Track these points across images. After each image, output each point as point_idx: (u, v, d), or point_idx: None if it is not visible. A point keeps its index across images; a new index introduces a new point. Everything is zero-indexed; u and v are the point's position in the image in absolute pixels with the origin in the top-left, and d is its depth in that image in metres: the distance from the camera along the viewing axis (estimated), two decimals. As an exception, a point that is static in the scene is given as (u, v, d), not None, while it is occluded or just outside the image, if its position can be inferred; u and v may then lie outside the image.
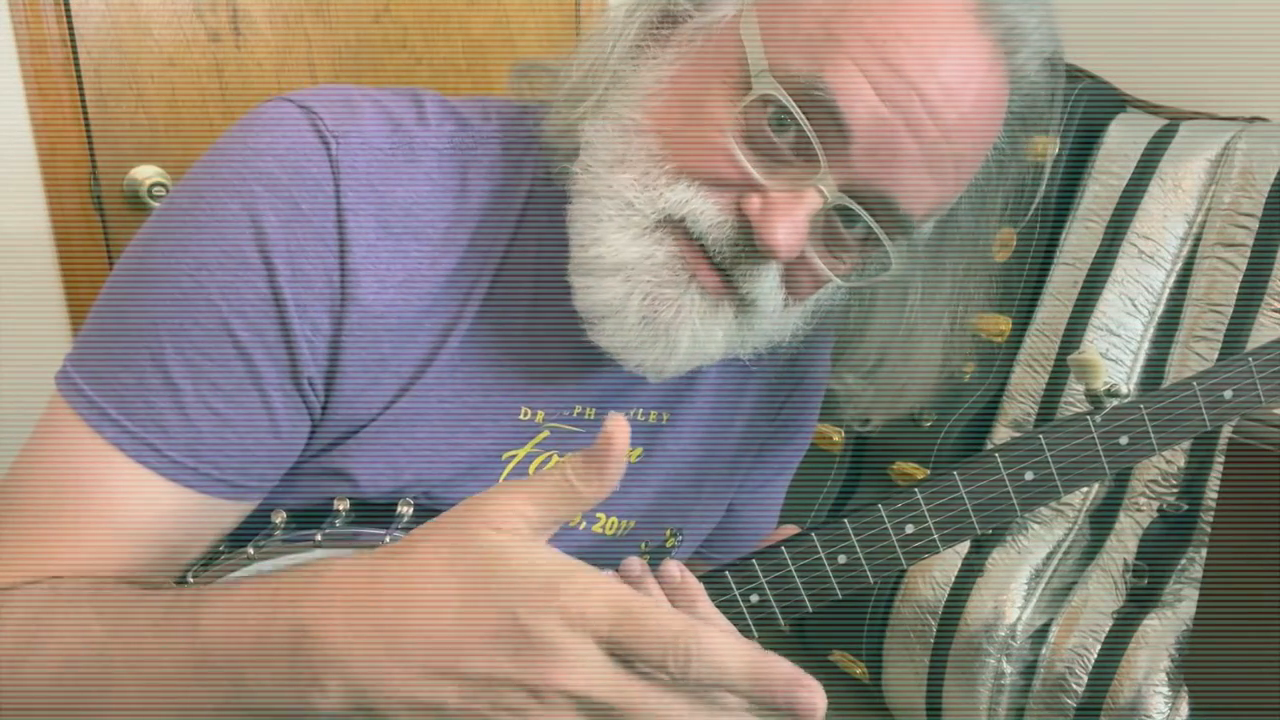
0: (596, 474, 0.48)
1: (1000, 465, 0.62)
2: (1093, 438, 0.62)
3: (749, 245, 0.58)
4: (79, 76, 1.47)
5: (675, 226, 0.59)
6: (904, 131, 0.56)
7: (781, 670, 0.44)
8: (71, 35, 1.45)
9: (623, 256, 0.59)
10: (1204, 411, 0.62)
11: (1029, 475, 0.62)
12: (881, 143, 0.56)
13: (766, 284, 0.60)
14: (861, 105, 0.55)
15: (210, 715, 0.50)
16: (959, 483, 0.62)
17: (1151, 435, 0.62)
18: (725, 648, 0.44)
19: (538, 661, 0.44)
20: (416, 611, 0.46)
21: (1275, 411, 0.99)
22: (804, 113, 0.56)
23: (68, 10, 1.44)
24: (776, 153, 0.58)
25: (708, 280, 0.59)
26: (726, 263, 0.59)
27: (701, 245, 0.59)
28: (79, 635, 0.54)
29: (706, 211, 0.58)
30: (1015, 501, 0.62)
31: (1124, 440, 0.62)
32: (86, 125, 1.49)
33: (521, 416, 0.68)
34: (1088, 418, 0.62)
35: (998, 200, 0.66)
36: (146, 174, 1.55)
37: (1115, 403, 0.62)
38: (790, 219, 0.56)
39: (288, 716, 0.48)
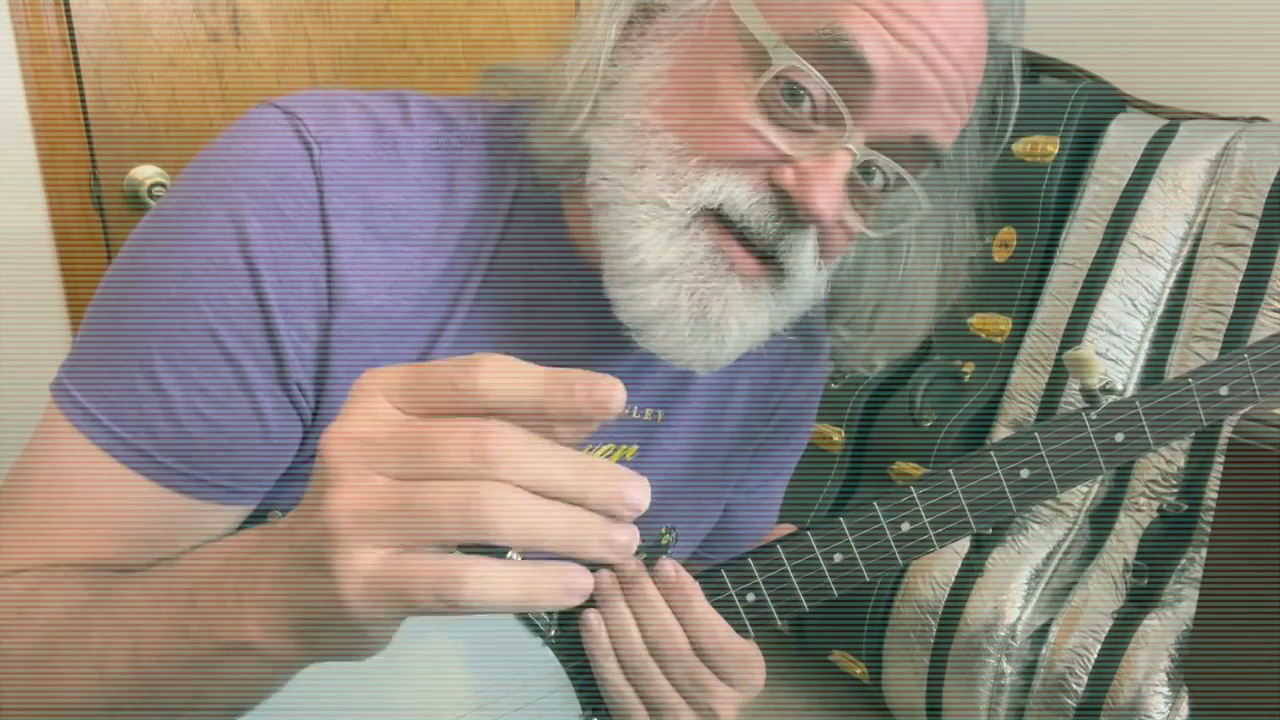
0: (495, 375, 0.40)
1: (996, 463, 0.62)
2: (1088, 435, 0.62)
3: (790, 217, 0.59)
4: (79, 76, 1.47)
5: (711, 217, 0.59)
6: (924, 69, 0.58)
7: (573, 371, 0.40)
8: (71, 35, 1.45)
9: (664, 260, 0.59)
10: (1200, 408, 0.62)
11: (1025, 473, 0.62)
12: (905, 83, 0.58)
13: (807, 254, 0.61)
14: (883, 47, 0.56)
15: (155, 649, 0.50)
16: (954, 480, 0.62)
17: (1148, 432, 0.62)
18: (512, 360, 0.41)
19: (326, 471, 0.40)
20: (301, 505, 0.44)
21: (1275, 411, 0.99)
22: (825, 73, 0.57)
23: (68, 10, 1.44)
24: (799, 122, 0.58)
25: (746, 267, 0.60)
26: (769, 240, 0.59)
27: (742, 229, 0.59)
28: (65, 603, 0.55)
29: (742, 193, 0.58)
30: (1011, 499, 0.62)
31: (1120, 437, 0.62)
32: (86, 125, 1.49)
33: None
34: (1083, 415, 0.62)
35: (975, 124, 0.67)
36: (146, 174, 1.55)
37: (1111, 399, 0.62)
38: (827, 183, 0.57)
39: (221, 657, 0.47)
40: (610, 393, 0.40)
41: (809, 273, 0.62)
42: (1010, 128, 0.68)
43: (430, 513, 0.38)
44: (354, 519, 0.39)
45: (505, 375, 0.40)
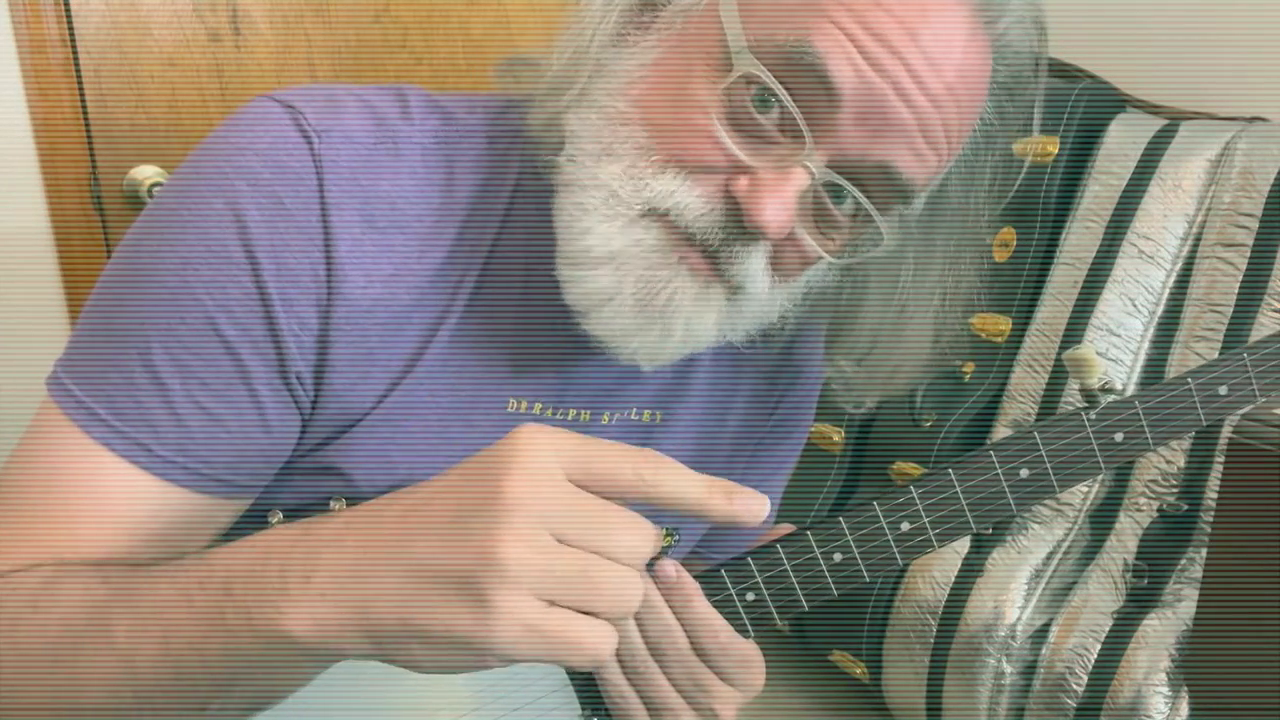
0: (670, 473, 0.49)
1: (995, 462, 0.62)
2: (1087, 434, 0.62)
3: (738, 227, 0.58)
4: (79, 76, 1.47)
5: (660, 217, 0.59)
6: (893, 97, 0.56)
7: (724, 482, 0.49)
8: (71, 35, 1.45)
9: (612, 246, 0.59)
10: (1199, 408, 0.62)
11: (1024, 472, 0.62)
12: (872, 109, 0.56)
13: (754, 266, 0.60)
14: (850, 69, 0.55)
15: (187, 641, 0.50)
16: (954, 480, 0.62)
17: (1147, 431, 0.62)
18: (679, 465, 0.49)
19: (487, 516, 0.44)
20: (399, 512, 0.48)
21: (1275, 411, 0.99)
22: (788, 88, 0.56)
23: (68, 10, 1.44)
24: (762, 132, 0.58)
25: (697, 265, 0.59)
26: (715, 247, 0.59)
27: (689, 234, 0.59)
28: (83, 599, 0.55)
29: (692, 204, 0.58)
30: (1011, 499, 0.62)
31: (1119, 437, 0.62)
32: (86, 125, 1.49)
33: (512, 410, 0.68)
34: (1082, 414, 0.62)
35: (986, 172, 0.66)
36: (146, 174, 1.55)
37: (1110, 399, 0.62)
38: (778, 197, 0.56)
39: (256, 647, 0.49)
40: (761, 507, 0.50)
41: (760, 286, 0.61)
42: (1023, 174, 0.68)
43: (600, 588, 0.45)
44: (526, 567, 0.44)
45: (680, 479, 0.48)
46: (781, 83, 0.56)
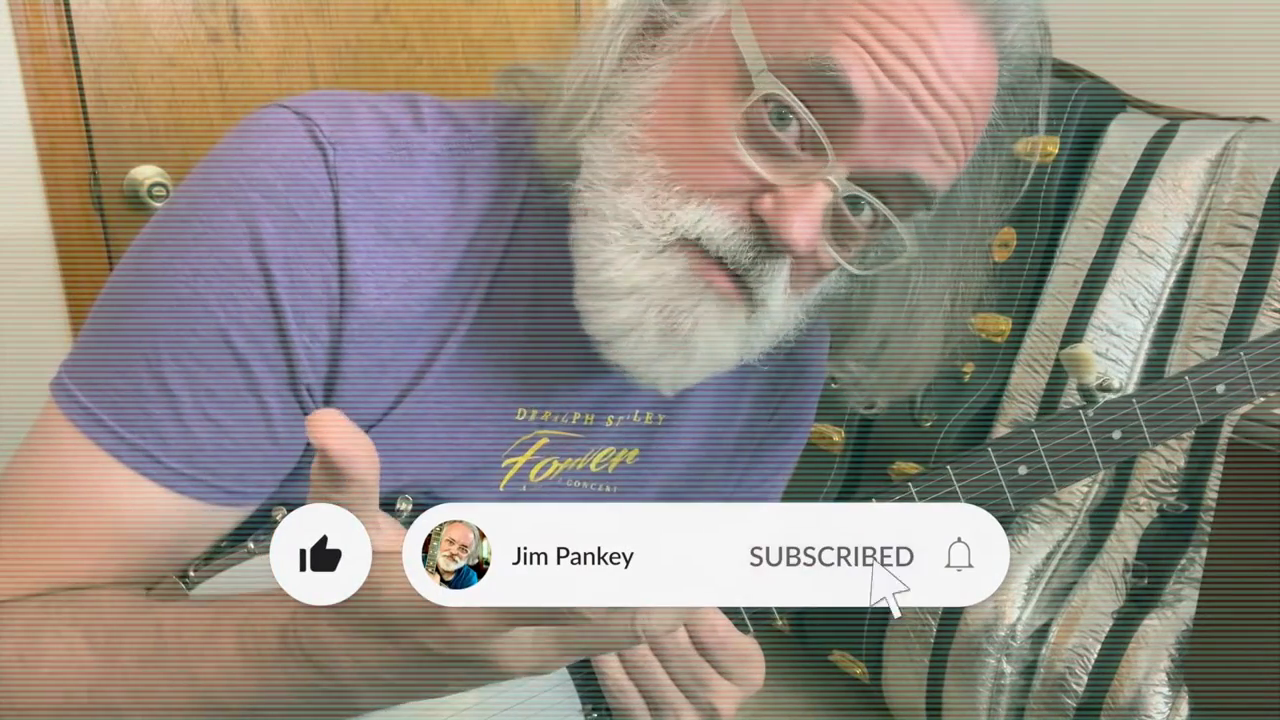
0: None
1: (994, 460, 0.62)
2: (1085, 432, 0.62)
3: (765, 246, 0.58)
4: (79, 76, 1.47)
5: (688, 246, 0.59)
6: (912, 107, 0.57)
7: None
8: (71, 35, 1.45)
9: (634, 279, 0.59)
10: (1196, 406, 0.62)
11: (1022, 470, 0.62)
12: (892, 120, 0.57)
13: (779, 283, 0.60)
14: (871, 81, 0.56)
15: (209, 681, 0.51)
16: (952, 477, 0.62)
17: (1144, 429, 0.62)
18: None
19: None
20: None
21: (1275, 411, 0.99)
22: (809, 103, 0.56)
23: (68, 10, 1.44)
24: (781, 148, 0.58)
25: (724, 287, 0.59)
26: (745, 266, 0.59)
27: (719, 257, 0.59)
28: (68, 659, 0.55)
29: (721, 226, 0.58)
30: (1009, 496, 0.62)
31: (1117, 435, 0.62)
32: (86, 125, 1.49)
33: (519, 418, 0.68)
34: (1080, 412, 0.62)
35: (994, 173, 0.66)
36: (146, 174, 1.55)
37: (1108, 397, 0.62)
38: (804, 214, 0.57)
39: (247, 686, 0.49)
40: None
41: (779, 301, 0.61)
42: (1030, 174, 0.68)
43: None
44: None
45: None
46: (800, 99, 0.56)
